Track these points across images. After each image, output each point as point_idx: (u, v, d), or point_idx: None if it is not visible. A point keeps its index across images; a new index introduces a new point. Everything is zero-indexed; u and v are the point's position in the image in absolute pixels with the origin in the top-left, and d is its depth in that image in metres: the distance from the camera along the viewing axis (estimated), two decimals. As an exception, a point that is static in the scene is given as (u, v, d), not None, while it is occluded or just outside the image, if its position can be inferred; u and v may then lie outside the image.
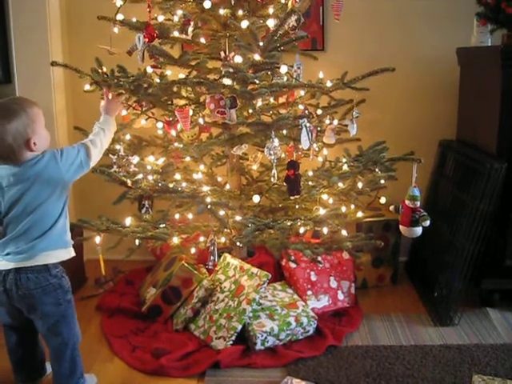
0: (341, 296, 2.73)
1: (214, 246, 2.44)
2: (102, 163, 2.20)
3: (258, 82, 2.15)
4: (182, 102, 2.41)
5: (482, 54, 2.77)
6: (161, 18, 2.43)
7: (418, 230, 2.26)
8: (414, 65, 3.12)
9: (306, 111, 2.41)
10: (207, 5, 2.24)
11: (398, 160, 2.47)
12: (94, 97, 2.38)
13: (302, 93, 2.62)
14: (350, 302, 2.74)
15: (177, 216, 2.75)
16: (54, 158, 1.88)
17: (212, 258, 2.43)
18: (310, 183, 2.56)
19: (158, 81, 2.33)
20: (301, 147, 2.25)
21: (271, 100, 2.60)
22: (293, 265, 2.71)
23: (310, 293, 2.67)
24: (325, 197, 2.52)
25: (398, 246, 3.01)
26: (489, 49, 2.72)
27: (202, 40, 2.50)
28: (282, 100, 2.59)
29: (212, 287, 2.55)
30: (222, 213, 2.47)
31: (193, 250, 2.69)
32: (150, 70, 2.35)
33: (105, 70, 2.33)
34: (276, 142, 2.15)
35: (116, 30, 2.32)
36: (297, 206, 2.63)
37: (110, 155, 2.32)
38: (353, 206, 2.63)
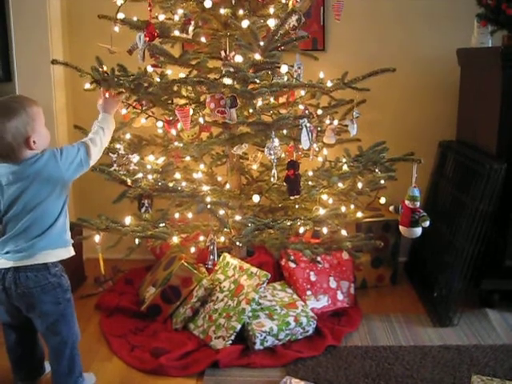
0: (340, 296, 2.73)
1: (214, 245, 2.44)
2: (101, 162, 2.20)
3: (258, 81, 2.15)
4: (183, 101, 2.41)
5: (482, 55, 2.77)
6: (161, 17, 2.44)
7: (418, 231, 2.26)
8: (414, 65, 3.12)
9: (307, 111, 2.41)
10: (208, 4, 2.24)
11: (397, 160, 2.47)
12: (94, 95, 2.37)
13: (303, 93, 2.62)
14: (349, 302, 2.74)
15: (176, 215, 2.75)
16: (54, 157, 1.88)
17: (211, 257, 2.43)
18: (309, 183, 2.56)
19: (158, 80, 2.33)
20: (301, 147, 2.26)
21: (271, 100, 2.60)
22: (292, 265, 2.71)
23: (309, 293, 2.67)
24: (325, 197, 2.52)
25: (397, 247, 3.01)
26: (489, 50, 2.72)
27: (203, 39, 2.50)
28: (282, 100, 2.59)
29: (211, 287, 2.55)
30: (221, 212, 2.47)
31: (192, 250, 2.69)
32: (150, 69, 2.35)
33: (105, 68, 2.33)
34: (276, 141, 2.15)
35: (117, 28, 2.32)
36: (296, 206, 2.63)
37: (110, 154, 2.32)
38: (352, 206, 2.63)
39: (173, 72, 2.57)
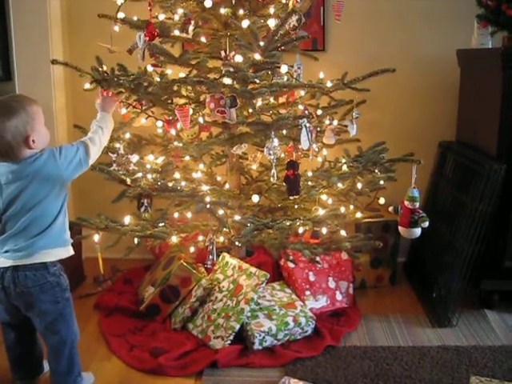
0: (339, 296, 2.73)
1: (213, 245, 2.44)
2: (101, 161, 2.20)
3: (258, 81, 2.16)
4: (182, 100, 2.41)
5: (482, 56, 2.77)
6: (161, 17, 2.44)
7: (417, 231, 2.26)
8: (414, 66, 3.12)
9: (306, 111, 2.41)
10: (208, 4, 2.24)
11: (397, 161, 2.47)
12: (94, 95, 2.37)
13: (302, 93, 2.62)
14: (348, 303, 2.74)
15: (176, 215, 2.75)
16: (53, 156, 1.88)
17: (211, 257, 2.43)
18: (309, 183, 2.56)
19: (158, 80, 2.33)
20: (300, 147, 2.25)
21: (271, 100, 2.60)
22: (291, 265, 2.71)
23: (308, 293, 2.67)
24: (324, 197, 2.52)
25: (396, 247, 3.01)
26: (489, 51, 2.72)
27: (203, 39, 2.50)
28: (282, 100, 2.59)
29: (210, 286, 2.55)
30: (221, 212, 2.47)
31: (192, 249, 2.69)
32: (150, 68, 2.35)
33: (105, 68, 2.33)
34: (276, 141, 2.15)
35: (117, 28, 2.32)
36: (296, 206, 2.63)
37: (110, 154, 2.32)
38: (352, 207, 2.63)
39: (173, 72, 2.57)
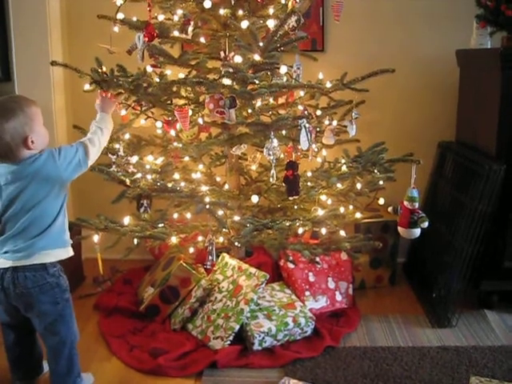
0: (339, 297, 2.73)
1: (213, 245, 2.44)
2: (100, 162, 2.20)
3: (257, 82, 2.15)
4: (182, 101, 2.41)
5: (481, 56, 2.77)
6: (161, 18, 2.43)
7: (417, 232, 2.26)
8: (413, 66, 3.12)
9: (306, 112, 2.41)
10: (207, 4, 2.24)
11: (396, 161, 2.47)
12: (94, 96, 2.37)
13: (302, 93, 2.62)
14: (347, 303, 2.74)
15: (175, 215, 2.75)
16: (52, 157, 1.88)
17: (210, 257, 2.43)
18: (308, 184, 2.56)
19: (157, 80, 2.33)
20: (300, 148, 2.26)
21: (271, 100, 2.60)
22: (291, 265, 2.71)
23: (307, 293, 2.67)
24: (323, 197, 2.52)
25: (396, 247, 3.01)
26: (488, 51, 2.72)
27: (202, 40, 2.50)
28: (281, 100, 2.59)
29: (210, 287, 2.55)
30: (220, 213, 2.47)
31: (191, 250, 2.69)
32: (149, 69, 2.35)
33: (104, 69, 2.33)
34: (275, 142, 2.15)
35: (116, 29, 2.32)
36: (295, 207, 2.63)
37: (109, 154, 2.32)
38: (351, 207, 2.63)
39: (172, 72, 2.57)
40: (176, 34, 2.36)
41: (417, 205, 2.23)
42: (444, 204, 2.95)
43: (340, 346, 2.40)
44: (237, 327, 2.36)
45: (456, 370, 2.21)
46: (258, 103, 2.51)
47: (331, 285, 2.73)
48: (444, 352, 2.35)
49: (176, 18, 2.43)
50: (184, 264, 2.59)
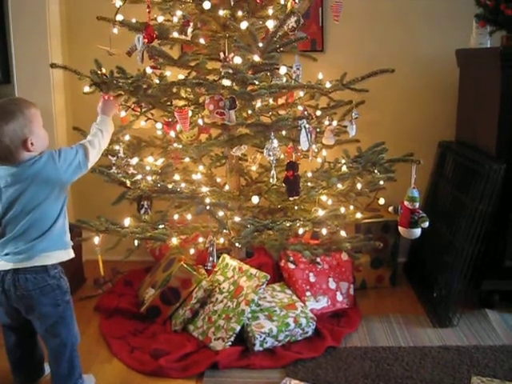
0: (340, 297, 2.73)
1: (213, 246, 2.44)
2: (101, 163, 2.20)
3: (257, 82, 2.16)
4: (182, 102, 2.41)
5: (481, 56, 2.77)
6: (160, 19, 2.44)
7: (417, 232, 2.26)
8: (413, 66, 3.12)
9: (306, 112, 2.41)
10: (207, 6, 2.24)
11: (397, 161, 2.47)
12: (94, 98, 2.38)
13: (302, 94, 2.62)
14: (348, 303, 2.74)
15: (176, 217, 2.75)
16: (52, 159, 1.88)
17: (211, 258, 2.44)
18: (309, 184, 2.56)
19: (157, 82, 2.34)
20: (300, 148, 2.26)
21: (270, 101, 2.60)
22: (292, 266, 2.71)
23: (308, 294, 2.67)
24: (324, 198, 2.52)
25: (397, 247, 3.01)
26: (488, 50, 2.72)
27: (202, 41, 2.51)
28: (281, 101, 2.59)
29: (211, 288, 2.55)
30: (221, 214, 2.47)
31: (192, 251, 2.69)
32: (149, 70, 2.35)
33: (104, 71, 2.33)
34: (275, 142, 2.15)
35: (115, 30, 2.32)
36: (296, 207, 2.63)
37: (109, 156, 2.32)
38: (352, 207, 2.63)
39: (172, 73, 2.57)
40: (175, 35, 2.36)
41: (417, 205, 2.23)
42: (444, 204, 2.95)
43: (341, 347, 2.40)
44: (238, 328, 2.36)
45: (457, 369, 2.21)
46: (258, 104, 2.51)
47: (332, 285, 2.73)
48: (445, 352, 2.34)
49: (175, 20, 2.44)
50: (185, 265, 2.59)
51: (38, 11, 2.89)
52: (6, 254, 1.89)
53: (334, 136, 2.57)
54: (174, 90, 2.36)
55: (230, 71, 2.10)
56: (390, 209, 2.48)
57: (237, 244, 2.50)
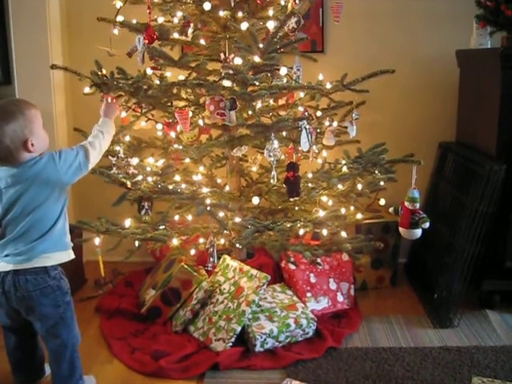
0: (340, 298, 2.72)
1: (214, 247, 2.44)
2: (101, 164, 2.20)
3: (257, 83, 2.16)
4: (182, 103, 2.41)
5: (481, 57, 2.77)
6: (161, 20, 2.44)
7: (418, 232, 2.26)
8: (413, 66, 3.12)
9: (306, 113, 2.41)
10: (207, 6, 2.24)
11: (397, 162, 2.48)
12: (94, 99, 2.38)
13: (302, 95, 2.62)
14: (349, 304, 2.74)
15: (176, 217, 2.75)
16: (53, 160, 1.88)
17: (211, 259, 2.44)
18: (309, 185, 2.56)
19: (157, 82, 2.34)
20: (300, 149, 2.26)
21: (271, 102, 2.60)
22: (292, 266, 2.71)
23: (309, 295, 2.67)
24: (324, 198, 2.52)
25: (397, 248, 3.01)
26: (488, 51, 2.72)
27: (202, 42, 2.51)
28: (281, 102, 2.60)
29: (211, 289, 2.55)
30: (221, 214, 2.48)
31: (192, 252, 2.69)
32: (149, 71, 2.36)
33: (104, 72, 2.33)
34: (276, 143, 2.15)
35: (116, 31, 2.32)
36: (296, 208, 2.63)
37: (110, 157, 2.32)
38: (352, 208, 2.63)
39: (172, 74, 2.58)
40: (176, 36, 2.37)
41: (418, 205, 2.23)
42: (445, 204, 2.95)
43: (342, 347, 2.40)
44: (238, 329, 2.36)
45: (458, 370, 2.21)
46: (259, 105, 2.51)
47: (333, 286, 2.73)
48: (446, 352, 2.34)
49: (176, 20, 2.44)
50: (185, 266, 2.59)
51: (39, 12, 2.89)
52: (6, 256, 1.89)
53: (334, 137, 2.57)
54: (175, 90, 2.37)
55: (231, 72, 2.10)
56: (391, 209, 2.48)
57: (237, 245, 2.50)
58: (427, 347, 2.39)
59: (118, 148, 2.41)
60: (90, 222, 2.43)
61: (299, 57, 2.67)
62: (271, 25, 2.23)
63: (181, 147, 2.54)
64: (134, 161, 2.41)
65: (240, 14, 2.38)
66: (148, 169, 2.45)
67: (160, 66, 2.33)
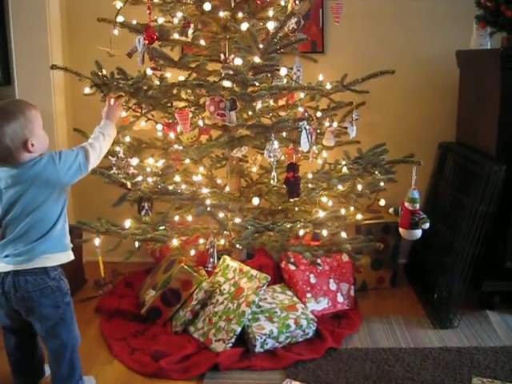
0: (340, 298, 2.72)
1: (214, 248, 2.44)
2: (101, 165, 2.20)
3: (257, 84, 2.16)
4: (182, 104, 2.41)
5: (481, 57, 2.77)
6: (161, 20, 2.44)
7: (418, 233, 2.26)
8: (413, 67, 3.12)
9: (306, 113, 2.41)
10: (207, 7, 2.24)
11: (397, 162, 2.48)
12: (94, 99, 2.38)
13: (302, 95, 2.62)
14: (349, 305, 2.74)
15: (176, 218, 2.75)
16: (53, 161, 1.87)
17: (211, 260, 2.44)
18: (309, 185, 2.56)
19: (157, 83, 2.34)
20: (300, 149, 2.26)
21: (271, 102, 2.60)
22: (292, 267, 2.71)
23: (309, 295, 2.67)
24: (324, 199, 2.52)
25: (397, 249, 3.01)
26: (488, 52, 2.72)
27: (202, 42, 2.51)
28: (281, 102, 2.60)
29: (211, 289, 2.55)
30: (221, 215, 2.47)
31: (192, 252, 2.69)
32: (149, 72, 2.35)
33: (104, 72, 2.33)
34: (276, 144, 2.15)
35: (116, 32, 2.32)
36: (296, 209, 2.63)
37: (110, 157, 2.32)
38: (352, 209, 2.63)
39: (172, 75, 2.58)
40: (176, 36, 2.37)
41: (418, 206, 2.23)
42: (445, 205, 2.95)
43: (342, 348, 2.40)
44: (238, 329, 2.36)
45: (458, 370, 2.21)
46: (259, 105, 2.51)
47: (333, 286, 2.73)
48: (446, 353, 2.34)
49: (176, 21, 2.44)
50: (185, 266, 2.59)
51: (39, 13, 2.88)
52: (6, 256, 1.88)
53: (334, 137, 2.57)
54: (175, 91, 2.37)
55: (231, 72, 2.10)
56: (391, 210, 2.48)
57: (237, 245, 2.50)
58: (427, 348, 2.39)
59: (118, 148, 2.41)
60: (89, 223, 2.43)
61: (299, 57, 2.67)
62: (271, 25, 2.23)
63: (181, 148, 2.54)
64: (134, 161, 2.41)
65: (240, 15, 2.38)
66: (148, 169, 2.45)
67: (160, 66, 2.33)
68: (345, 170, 2.49)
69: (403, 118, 3.21)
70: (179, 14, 2.42)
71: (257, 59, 2.14)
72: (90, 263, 3.14)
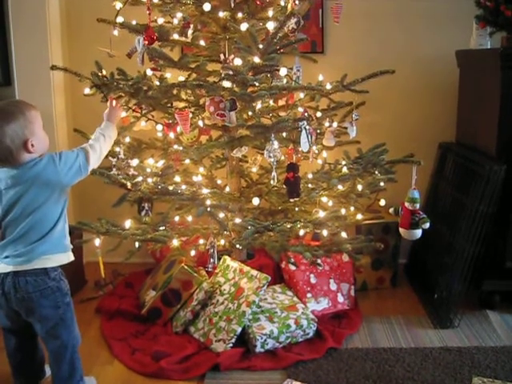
0: (340, 298, 2.72)
1: (214, 248, 2.44)
2: (101, 165, 2.20)
3: (257, 84, 2.16)
4: (182, 104, 2.41)
5: (481, 57, 2.77)
6: (160, 21, 2.44)
7: (418, 233, 2.26)
8: (413, 67, 3.12)
9: (306, 114, 2.41)
10: (207, 7, 2.24)
11: (397, 162, 2.48)
12: (94, 100, 2.38)
13: (302, 95, 2.62)
14: (349, 305, 2.74)
15: (176, 218, 2.75)
16: (53, 161, 1.87)
17: (212, 260, 2.44)
18: (309, 186, 2.56)
19: (157, 83, 2.34)
20: (300, 150, 2.26)
21: (271, 102, 2.60)
22: (292, 267, 2.71)
23: (309, 295, 2.67)
24: (324, 199, 2.52)
25: (397, 249, 3.01)
26: (488, 51, 2.72)
27: (202, 42, 2.51)
28: (281, 102, 2.59)
29: (212, 290, 2.55)
30: (221, 215, 2.48)
31: (192, 253, 2.69)
32: (149, 72, 2.35)
33: (104, 73, 2.33)
34: (276, 144, 2.15)
35: (116, 32, 2.33)
36: (296, 209, 2.63)
37: (110, 157, 2.32)
38: (352, 209, 2.63)
39: (172, 75, 2.58)
40: (176, 37, 2.37)
41: (418, 206, 2.23)
42: (445, 205, 2.95)
43: (342, 348, 2.40)
44: (239, 330, 2.36)
45: (458, 370, 2.21)
46: (259, 105, 2.51)
47: (333, 286, 2.73)
48: (446, 353, 2.34)
49: (176, 21, 2.44)
50: (185, 267, 2.59)
51: (39, 13, 2.89)
52: (6, 257, 1.88)
53: (334, 137, 2.57)
54: (175, 91, 2.37)
55: (231, 73, 2.10)
56: (391, 210, 2.48)
57: (237, 245, 2.50)
58: (428, 348, 2.39)
59: (118, 149, 2.41)
60: (90, 223, 2.43)
61: (299, 57, 2.67)
62: (271, 25, 2.23)
63: (181, 148, 2.54)
64: (134, 162, 2.42)
65: (240, 15, 2.38)
66: (148, 170, 2.45)
67: (160, 66, 2.33)
68: (345, 170, 2.49)
69: (403, 118, 3.21)
70: (179, 15, 2.42)
71: (256, 59, 2.14)
72: (90, 264, 3.14)
